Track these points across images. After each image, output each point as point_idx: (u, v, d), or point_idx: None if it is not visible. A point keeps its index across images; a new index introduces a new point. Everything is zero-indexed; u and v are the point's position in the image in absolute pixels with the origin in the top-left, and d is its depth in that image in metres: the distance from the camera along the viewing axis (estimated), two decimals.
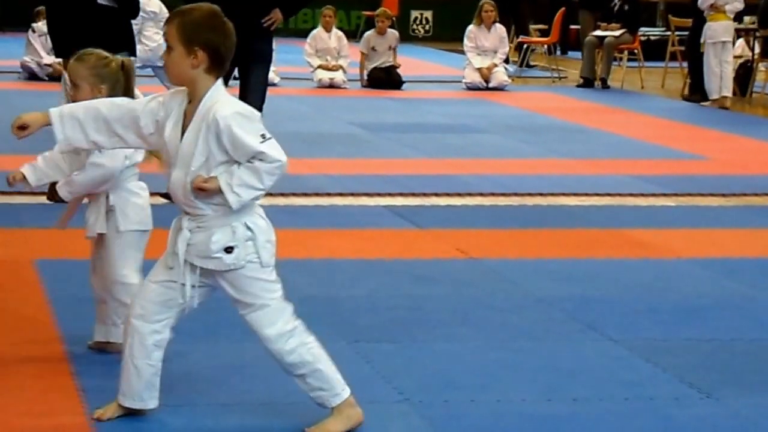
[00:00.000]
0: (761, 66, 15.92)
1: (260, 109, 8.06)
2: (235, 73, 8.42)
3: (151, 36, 12.39)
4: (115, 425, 4.13)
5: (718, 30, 14.50)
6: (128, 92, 4.71)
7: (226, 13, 8.86)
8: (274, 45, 15.22)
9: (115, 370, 4.67)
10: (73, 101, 4.66)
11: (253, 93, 8.00)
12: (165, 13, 11.69)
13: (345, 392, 4.11)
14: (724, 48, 14.58)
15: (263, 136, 3.92)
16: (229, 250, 3.99)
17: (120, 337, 4.45)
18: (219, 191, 3.92)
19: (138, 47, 10.84)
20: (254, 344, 5.03)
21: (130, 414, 4.16)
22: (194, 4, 4.05)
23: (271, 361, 4.81)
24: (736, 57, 15.52)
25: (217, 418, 4.22)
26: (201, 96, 3.97)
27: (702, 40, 14.62)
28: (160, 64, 10.63)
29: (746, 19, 15.49)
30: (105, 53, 4.81)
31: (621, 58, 17.50)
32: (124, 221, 4.79)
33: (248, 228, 3.99)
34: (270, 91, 13.37)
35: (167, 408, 4.29)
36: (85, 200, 4.93)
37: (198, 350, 4.97)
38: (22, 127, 4.15)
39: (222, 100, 3.97)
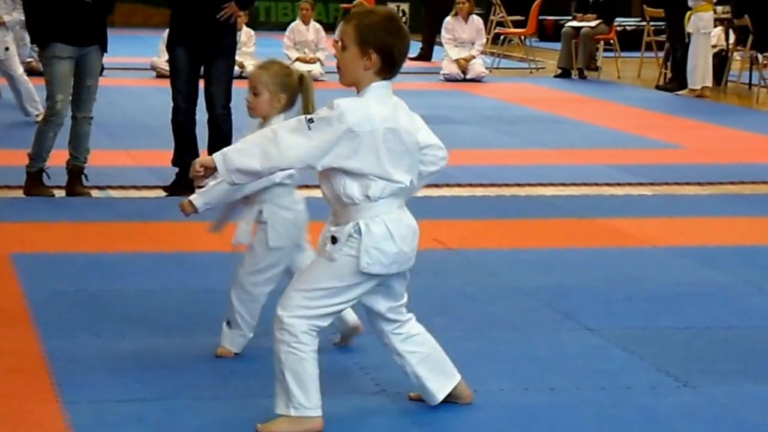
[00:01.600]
0: (736, 55, 15.98)
1: (228, 101, 8.09)
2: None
3: None
4: (86, 419, 4.12)
5: (709, 20, 14.56)
6: (307, 106, 4.70)
7: (186, 9, 8.85)
8: (254, 38, 15.30)
9: (90, 364, 4.68)
10: (251, 108, 4.74)
11: (218, 86, 8.00)
12: None
13: (310, 411, 4.01)
14: (709, 38, 14.66)
15: (309, 121, 3.94)
16: (333, 240, 4.01)
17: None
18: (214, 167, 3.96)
19: None
20: None
21: None
22: (373, 7, 4.09)
23: (249, 354, 4.84)
24: (712, 46, 15.57)
25: (195, 412, 4.21)
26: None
27: (689, 30, 14.63)
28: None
29: (719, 9, 15.55)
30: (286, 63, 4.87)
31: (597, 49, 17.53)
32: (275, 237, 4.77)
33: (358, 229, 3.98)
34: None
35: (144, 402, 4.29)
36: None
37: (175, 343, 4.96)
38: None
39: (361, 98, 3.99)
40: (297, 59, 15.74)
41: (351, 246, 3.98)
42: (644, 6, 17.84)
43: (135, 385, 4.46)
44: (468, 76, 16.00)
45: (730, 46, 15.82)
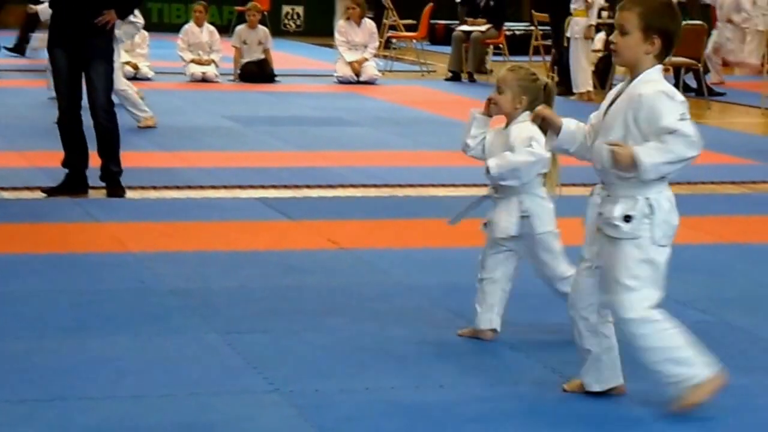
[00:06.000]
0: None
1: (109, 104, 8.10)
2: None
3: None
4: None
5: (585, 26, 14.86)
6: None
7: (62, 11, 8.86)
8: (148, 40, 15.23)
9: None
10: (495, 103, 5.09)
11: (96, 89, 8.02)
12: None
13: (701, 375, 4.24)
14: (586, 43, 14.97)
15: (682, 114, 4.12)
16: (627, 218, 4.20)
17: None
18: (632, 158, 4.12)
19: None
20: (125, 338, 5.09)
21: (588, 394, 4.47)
22: None
23: (142, 354, 4.86)
24: (596, 51, 15.88)
25: (87, 412, 4.22)
26: (637, 75, 4.22)
27: (567, 35, 14.95)
28: None
29: (603, 14, 15.86)
30: (534, 70, 5.14)
31: (487, 53, 17.73)
32: (540, 225, 5.09)
33: (649, 204, 4.19)
34: (143, 85, 13.32)
35: (36, 403, 4.28)
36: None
37: (67, 344, 4.96)
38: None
39: (653, 80, 4.20)
40: (192, 61, 15.70)
41: (645, 222, 4.19)
42: (532, 10, 18.11)
43: (26, 385, 4.45)
44: (361, 79, 16.10)
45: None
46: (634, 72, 4.27)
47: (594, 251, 4.38)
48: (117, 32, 9.46)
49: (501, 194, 5.16)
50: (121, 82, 10.98)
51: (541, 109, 4.44)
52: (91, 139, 8.17)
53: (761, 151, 10.92)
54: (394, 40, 19.90)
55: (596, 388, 4.47)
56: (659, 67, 4.28)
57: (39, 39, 11.67)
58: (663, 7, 4.26)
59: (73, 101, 8.06)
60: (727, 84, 16.44)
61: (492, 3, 17.14)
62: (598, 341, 4.43)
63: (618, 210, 4.24)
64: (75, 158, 8.13)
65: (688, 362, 4.27)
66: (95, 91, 8.03)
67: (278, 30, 23.60)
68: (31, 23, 17.09)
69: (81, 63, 8.00)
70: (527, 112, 5.01)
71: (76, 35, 7.97)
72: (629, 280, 4.25)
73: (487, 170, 5.12)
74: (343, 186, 8.71)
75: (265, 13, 19.80)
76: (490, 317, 5.15)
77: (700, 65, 14.79)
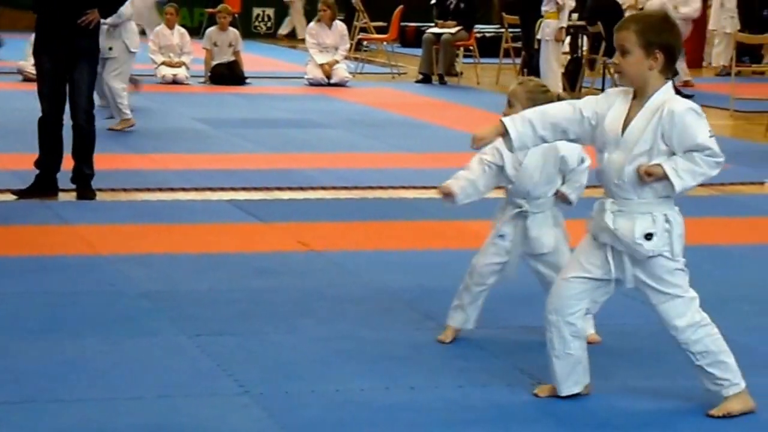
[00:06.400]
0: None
1: (90, 107, 8.08)
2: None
3: None
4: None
5: (556, 28, 14.91)
6: None
7: (47, 14, 8.82)
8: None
9: None
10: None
11: (79, 92, 8.00)
12: None
13: (742, 383, 4.36)
14: (557, 45, 15.03)
15: (710, 131, 4.24)
16: (648, 236, 4.26)
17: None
18: (663, 176, 4.18)
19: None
20: (95, 340, 5.09)
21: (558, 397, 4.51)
22: (645, 11, 4.32)
23: (112, 357, 4.85)
24: (566, 53, 15.94)
25: (57, 415, 4.22)
26: (650, 93, 4.26)
27: (538, 37, 15.00)
28: None
29: (574, 16, 15.93)
30: (543, 82, 5.22)
31: (457, 55, 17.77)
32: (566, 233, 5.20)
33: (667, 220, 4.28)
34: None
35: (5, 405, 4.28)
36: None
37: (38, 346, 4.95)
38: (480, 140, 4.48)
39: (674, 97, 4.27)
40: (162, 63, 15.68)
41: (664, 237, 4.27)
42: (503, 13, 18.16)
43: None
44: (332, 81, 16.11)
45: (584, 53, 16.20)
46: (643, 90, 4.28)
47: (595, 263, 4.39)
48: (141, 25, 9.42)
49: (536, 208, 5.15)
50: (127, 80, 11.05)
51: (474, 138, 4.50)
52: (65, 140, 8.15)
53: (730, 153, 10.90)
54: (364, 43, 19.94)
55: (576, 390, 4.50)
56: (670, 83, 4.32)
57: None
58: (660, 22, 4.30)
59: (57, 104, 8.04)
60: (695, 86, 16.53)
61: (462, 5, 17.20)
62: (580, 344, 4.47)
63: (638, 230, 4.28)
64: (49, 160, 8.10)
65: (731, 369, 4.36)
66: (79, 93, 8.01)
67: (249, 32, 23.56)
68: None
69: (66, 65, 7.98)
70: None
71: (61, 37, 7.95)
72: (670, 289, 4.33)
73: (565, 198, 5.16)
74: (313, 188, 8.71)
75: (236, 15, 19.79)
76: (476, 317, 5.21)
77: None
